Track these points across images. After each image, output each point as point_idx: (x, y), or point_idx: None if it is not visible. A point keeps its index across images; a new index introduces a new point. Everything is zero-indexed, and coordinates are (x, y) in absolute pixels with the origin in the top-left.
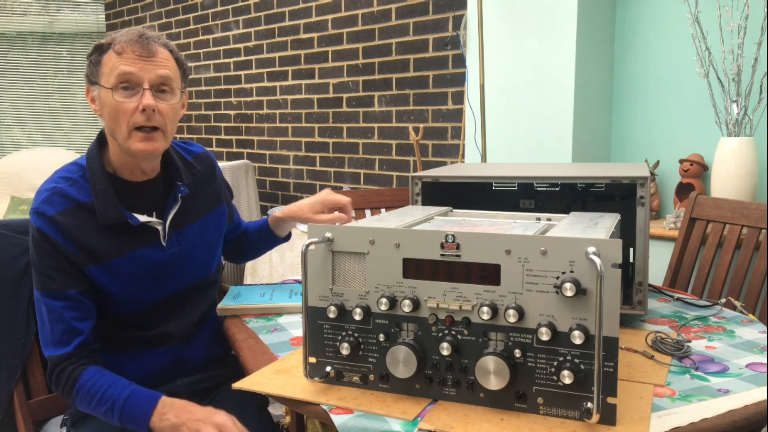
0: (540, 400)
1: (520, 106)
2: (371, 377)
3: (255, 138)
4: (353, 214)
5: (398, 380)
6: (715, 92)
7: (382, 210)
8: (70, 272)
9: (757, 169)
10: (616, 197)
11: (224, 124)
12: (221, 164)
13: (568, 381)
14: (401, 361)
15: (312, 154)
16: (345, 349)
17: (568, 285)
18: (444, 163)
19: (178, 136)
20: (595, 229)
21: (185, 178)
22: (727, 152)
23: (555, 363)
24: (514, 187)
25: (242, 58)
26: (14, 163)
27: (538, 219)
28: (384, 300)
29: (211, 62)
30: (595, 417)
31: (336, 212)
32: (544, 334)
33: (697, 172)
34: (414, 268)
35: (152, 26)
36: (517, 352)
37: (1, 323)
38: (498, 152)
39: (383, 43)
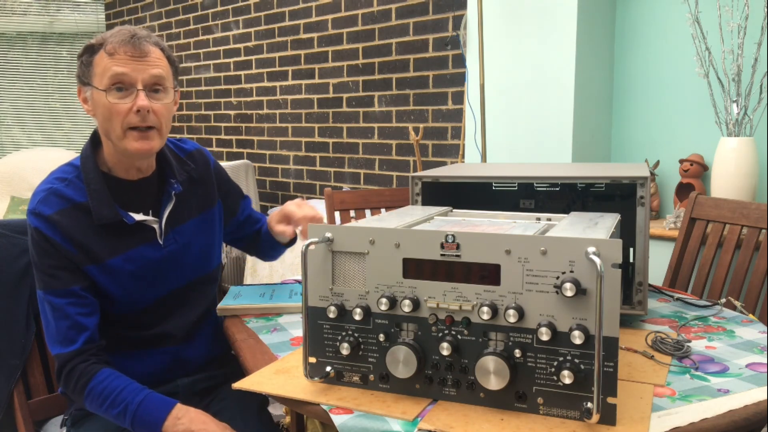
0: (540, 400)
1: (520, 106)
2: (371, 377)
3: (255, 138)
4: (299, 228)
5: (398, 380)
6: (715, 92)
7: (382, 210)
8: (71, 269)
9: (757, 169)
10: (616, 197)
11: (224, 124)
12: (221, 164)
13: (568, 381)
14: (401, 361)
15: (312, 154)
16: (345, 349)
17: (568, 285)
18: (444, 163)
19: (177, 135)
20: (595, 229)
21: (179, 176)
22: (727, 152)
23: (555, 363)
24: (514, 187)
25: (242, 58)
26: (14, 163)
27: (538, 219)
28: (384, 300)
29: (211, 62)
30: (595, 417)
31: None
32: (544, 334)
33: (697, 172)
34: (414, 268)
35: (152, 26)
36: (517, 352)
37: (1, 323)
38: (498, 152)
39: (383, 43)
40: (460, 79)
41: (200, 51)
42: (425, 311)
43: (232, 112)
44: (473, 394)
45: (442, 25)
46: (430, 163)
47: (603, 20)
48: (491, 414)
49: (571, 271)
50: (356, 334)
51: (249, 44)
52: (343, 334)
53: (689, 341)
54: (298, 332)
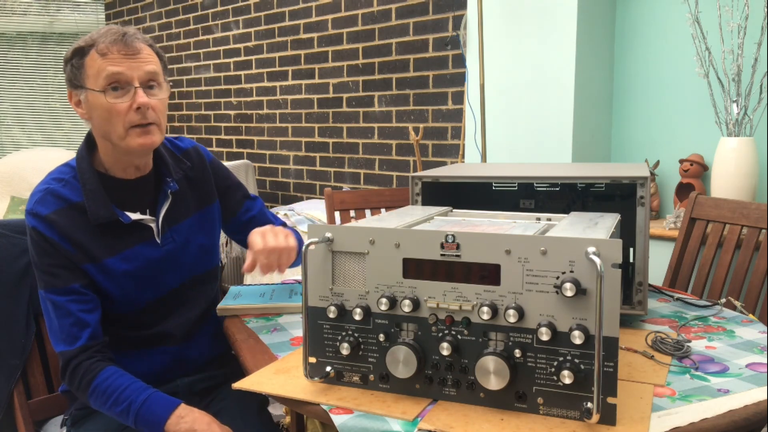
0: (540, 400)
1: (520, 106)
2: (371, 377)
3: (255, 138)
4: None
5: (398, 380)
6: (715, 92)
7: (382, 210)
8: (71, 267)
9: (757, 169)
10: (616, 197)
11: (224, 124)
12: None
13: (568, 381)
14: (401, 361)
15: (312, 154)
16: (345, 349)
17: (568, 285)
18: (444, 163)
19: (176, 135)
20: (595, 229)
21: (175, 174)
22: (727, 152)
23: (555, 363)
24: (514, 187)
25: (242, 58)
26: (14, 163)
27: (538, 219)
28: (384, 300)
29: (211, 62)
30: (595, 417)
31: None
32: (544, 334)
33: (697, 172)
34: (414, 268)
35: (152, 26)
36: (517, 352)
37: (1, 323)
38: (498, 152)
39: (383, 43)
40: (460, 79)
41: (200, 51)
42: (425, 311)
43: (232, 112)
44: (473, 394)
45: (442, 25)
46: (430, 163)
47: (603, 20)
48: (491, 414)
49: (571, 271)
50: (356, 334)
51: (249, 44)
52: (343, 334)
53: (689, 341)
54: (298, 332)
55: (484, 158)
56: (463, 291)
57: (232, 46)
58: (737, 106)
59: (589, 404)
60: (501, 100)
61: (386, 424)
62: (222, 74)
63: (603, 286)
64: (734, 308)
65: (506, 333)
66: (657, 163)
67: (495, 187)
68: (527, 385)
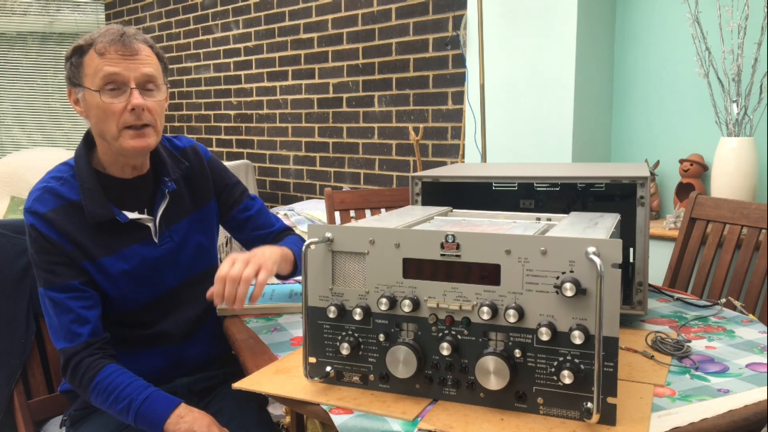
0: (540, 400)
1: (520, 106)
2: (371, 377)
3: (255, 138)
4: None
5: (398, 380)
6: (715, 92)
7: (382, 210)
8: (69, 265)
9: (757, 169)
10: (616, 197)
11: (224, 124)
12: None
13: (568, 381)
14: (401, 361)
15: (312, 154)
16: (345, 349)
17: (568, 285)
18: (444, 163)
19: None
20: (595, 229)
21: (173, 174)
22: (727, 152)
23: (555, 363)
24: (514, 187)
25: (242, 58)
26: (14, 163)
27: (538, 219)
28: (384, 300)
29: (211, 62)
30: (595, 417)
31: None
32: (544, 334)
33: (697, 172)
34: (414, 268)
35: (152, 26)
36: (517, 352)
37: (1, 323)
38: (498, 152)
39: (383, 43)
40: (460, 79)
41: (200, 51)
42: (425, 311)
43: (232, 112)
44: (473, 394)
45: (442, 25)
46: (430, 163)
47: (603, 20)
48: (491, 414)
49: (571, 271)
50: (356, 334)
51: (249, 44)
52: (343, 334)
53: (689, 341)
54: (298, 332)
55: (484, 158)
56: (463, 291)
57: (232, 46)
58: (737, 106)
59: (589, 404)
60: (501, 100)
61: (386, 424)
62: (222, 74)
63: (603, 286)
64: (734, 308)
65: (506, 333)
66: (657, 163)
67: (495, 187)
68: (527, 385)
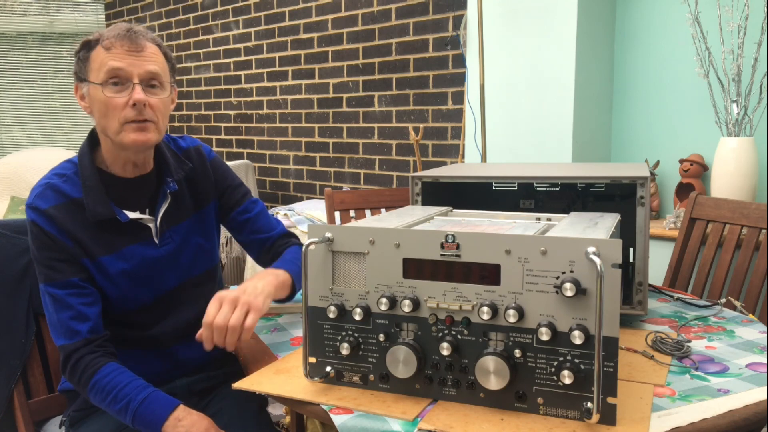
0: (540, 400)
1: (520, 106)
2: (371, 377)
3: (255, 138)
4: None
5: (398, 380)
6: (715, 92)
7: (382, 210)
8: (70, 261)
9: (757, 169)
10: (616, 197)
11: (224, 124)
12: None
13: (568, 381)
14: (401, 361)
15: (312, 154)
16: (345, 349)
17: (568, 285)
18: (444, 163)
19: (182, 135)
20: (595, 229)
21: (175, 174)
22: (727, 152)
23: (555, 363)
24: (514, 187)
25: (242, 58)
26: (14, 163)
27: (538, 219)
28: (384, 300)
29: (211, 62)
30: (595, 417)
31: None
32: (544, 334)
33: (697, 172)
34: (414, 268)
35: (152, 26)
36: (517, 352)
37: (1, 323)
38: (498, 152)
39: (383, 43)
40: (460, 79)
41: (200, 51)
42: (425, 311)
43: (232, 112)
44: (473, 394)
45: (442, 25)
46: (430, 163)
47: (603, 20)
48: (491, 414)
49: (571, 271)
50: (356, 334)
51: (249, 44)
52: (343, 334)
53: (689, 341)
54: (298, 332)
55: (484, 158)
56: (463, 291)
57: (232, 46)
58: (737, 106)
59: (589, 404)
60: (501, 100)
61: (386, 424)
62: (222, 74)
63: (603, 286)
64: (734, 308)
65: (506, 333)
66: (657, 163)
67: (495, 187)
68: (527, 385)
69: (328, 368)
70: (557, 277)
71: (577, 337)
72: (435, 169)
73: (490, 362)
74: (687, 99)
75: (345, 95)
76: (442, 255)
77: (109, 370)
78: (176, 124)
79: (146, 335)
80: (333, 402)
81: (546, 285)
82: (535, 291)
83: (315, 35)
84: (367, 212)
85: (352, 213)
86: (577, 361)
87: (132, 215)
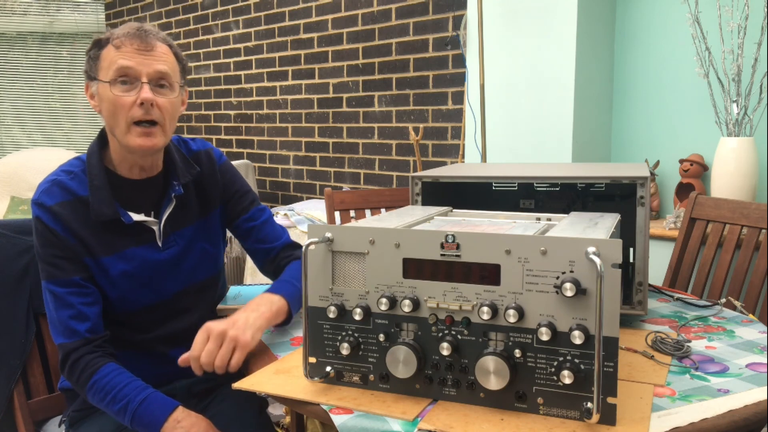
0: (540, 400)
1: (520, 106)
2: (371, 377)
3: (255, 138)
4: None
5: (398, 380)
6: (715, 92)
7: (382, 210)
8: (73, 259)
9: (757, 169)
10: (616, 197)
11: (224, 124)
12: None
13: (568, 381)
14: (401, 361)
15: (312, 154)
16: (345, 349)
17: (568, 285)
18: (444, 163)
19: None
20: (595, 229)
21: (182, 178)
22: (727, 152)
23: (555, 363)
24: (514, 187)
25: (242, 58)
26: (14, 163)
27: (538, 219)
28: (384, 300)
29: (211, 62)
30: (595, 417)
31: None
32: (544, 334)
33: (697, 172)
34: (414, 268)
35: (152, 26)
36: (517, 352)
37: (1, 323)
38: (498, 152)
39: (383, 43)
40: (460, 79)
41: (200, 51)
42: (425, 311)
43: (232, 112)
44: (473, 394)
45: (442, 25)
46: (430, 163)
47: (603, 20)
48: (491, 414)
49: (571, 271)
50: (356, 334)
51: (249, 44)
52: (343, 334)
53: (689, 341)
54: (298, 332)
55: (484, 158)
56: (463, 291)
57: (232, 46)
58: (737, 106)
59: (589, 404)
60: (501, 100)
61: (386, 424)
62: (222, 74)
63: (603, 286)
64: (734, 308)
65: (506, 333)
66: (657, 163)
67: (495, 187)
68: (527, 385)
69: (328, 368)
70: (557, 277)
71: (577, 337)
72: (435, 169)
73: (490, 362)
74: (687, 99)
75: (345, 95)
76: (442, 255)
77: (108, 370)
78: (177, 123)
79: (145, 338)
80: (333, 402)
81: (546, 285)
82: (535, 291)
83: (315, 35)
84: (367, 212)
85: (352, 213)
86: (577, 361)
87: (136, 217)
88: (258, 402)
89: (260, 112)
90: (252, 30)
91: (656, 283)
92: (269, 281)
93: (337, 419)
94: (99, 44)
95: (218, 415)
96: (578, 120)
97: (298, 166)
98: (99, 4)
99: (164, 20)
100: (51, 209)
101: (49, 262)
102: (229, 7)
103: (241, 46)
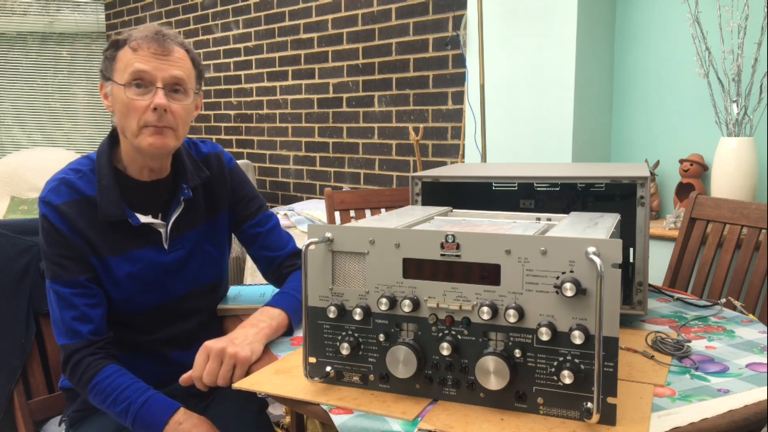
0: (540, 400)
1: (520, 106)
2: (371, 377)
3: (255, 138)
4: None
5: (398, 380)
6: (715, 92)
7: (382, 210)
8: (78, 260)
9: (757, 169)
10: (616, 197)
11: (224, 124)
12: None
13: (568, 381)
14: (401, 361)
15: (312, 154)
16: (345, 349)
17: (568, 285)
18: (444, 163)
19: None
20: (595, 229)
21: (191, 181)
22: (727, 152)
23: (555, 363)
24: (514, 187)
25: (242, 58)
26: (14, 163)
27: (538, 219)
28: (384, 300)
29: (211, 62)
30: (595, 417)
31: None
32: (544, 334)
33: (697, 172)
34: (414, 268)
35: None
36: (517, 352)
37: (1, 323)
38: (498, 152)
39: (383, 43)
40: (460, 79)
41: (200, 51)
42: (425, 311)
43: (232, 112)
44: (473, 394)
45: (442, 25)
46: (430, 163)
47: (603, 20)
48: (491, 414)
49: (571, 271)
50: (356, 334)
51: (249, 44)
52: (343, 334)
53: (689, 341)
54: (299, 332)
55: (484, 158)
56: (463, 291)
57: (232, 46)
58: (737, 106)
59: (589, 404)
60: (501, 100)
61: (386, 424)
62: (222, 74)
63: (603, 286)
64: (734, 308)
65: (506, 333)
66: (657, 163)
67: (495, 187)
68: (527, 385)
69: (328, 368)
70: (557, 277)
71: (577, 337)
72: (435, 169)
73: (490, 362)
74: (687, 99)
75: (345, 95)
76: (442, 255)
77: (109, 371)
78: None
79: (147, 340)
80: (333, 402)
81: (546, 285)
82: (535, 291)
83: (315, 35)
84: (367, 212)
85: (352, 213)
86: (577, 361)
87: (144, 219)
88: (258, 402)
89: (260, 112)
90: (252, 30)
91: (656, 283)
92: (267, 280)
93: (337, 419)
94: (116, 45)
95: (218, 415)
96: (578, 120)
97: (298, 166)
98: (99, 4)
99: (164, 20)
100: (58, 208)
101: (54, 261)
102: (229, 7)
103: (241, 46)
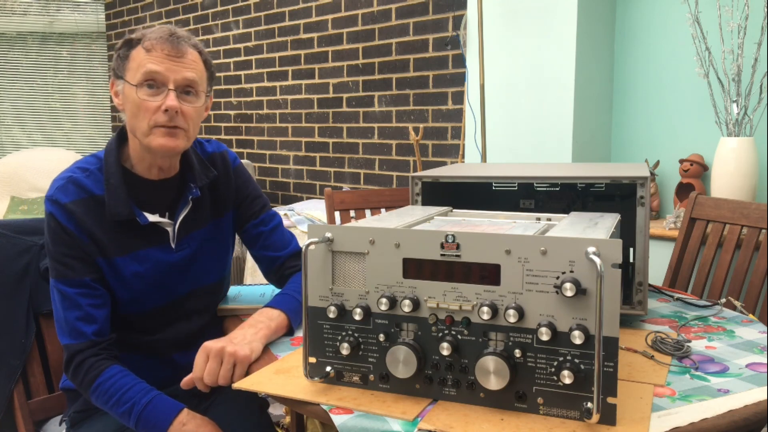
0: (540, 400)
1: (520, 106)
2: (371, 377)
3: (255, 138)
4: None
5: (398, 380)
6: (715, 92)
7: (382, 210)
8: (84, 259)
9: (757, 169)
10: (616, 197)
11: (224, 124)
12: None
13: (568, 381)
14: (401, 361)
15: (312, 154)
16: (345, 349)
17: (568, 285)
18: (444, 163)
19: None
20: (595, 229)
21: (199, 181)
22: (727, 152)
23: (555, 363)
24: (514, 187)
25: (242, 58)
26: (14, 163)
27: (538, 219)
28: (384, 300)
29: None
30: (595, 417)
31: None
32: (544, 334)
33: (697, 172)
34: (414, 268)
35: (152, 26)
36: (517, 352)
37: (1, 323)
38: (498, 152)
39: (383, 43)
40: (460, 79)
41: None
42: (425, 311)
43: (232, 112)
44: (473, 394)
45: (442, 25)
46: (430, 163)
47: (603, 20)
48: (491, 414)
49: (571, 271)
50: (356, 334)
51: (249, 44)
52: (343, 334)
53: (689, 341)
54: (299, 332)
55: (484, 158)
56: (463, 291)
57: (232, 46)
58: (737, 106)
59: (589, 404)
60: (501, 100)
61: (386, 424)
62: (222, 74)
63: (603, 286)
64: (734, 308)
65: (506, 333)
66: (657, 163)
67: (495, 187)
68: (527, 385)
69: (328, 368)
70: (557, 277)
71: (577, 337)
72: (435, 169)
73: (490, 362)
74: (687, 99)
75: (345, 95)
76: (442, 255)
77: (112, 372)
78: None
79: (150, 340)
80: (333, 402)
81: (546, 285)
82: (535, 291)
83: (315, 35)
84: (367, 212)
85: (352, 213)
86: (577, 361)
87: (152, 218)
88: (259, 402)
89: (260, 112)
90: (252, 30)
91: (656, 283)
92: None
93: (337, 419)
94: (129, 44)
95: (220, 416)
96: (578, 120)
97: (298, 166)
98: (99, 4)
99: (164, 20)
100: (65, 207)
101: (60, 260)
102: (229, 7)
103: (241, 46)
